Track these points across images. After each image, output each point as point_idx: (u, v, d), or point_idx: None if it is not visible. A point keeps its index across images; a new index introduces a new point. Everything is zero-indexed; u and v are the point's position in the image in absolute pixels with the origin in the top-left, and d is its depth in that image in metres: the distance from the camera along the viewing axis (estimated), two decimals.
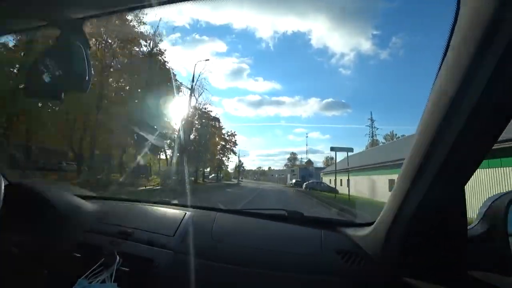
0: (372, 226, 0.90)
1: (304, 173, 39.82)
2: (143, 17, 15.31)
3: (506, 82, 0.47)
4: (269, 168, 60.92)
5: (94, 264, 0.88)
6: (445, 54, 0.55)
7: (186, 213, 1.18)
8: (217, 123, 30.28)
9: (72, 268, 0.91)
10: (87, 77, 0.61)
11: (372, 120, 43.60)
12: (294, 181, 32.48)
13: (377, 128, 42.60)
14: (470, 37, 0.47)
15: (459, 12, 0.50)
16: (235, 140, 34.71)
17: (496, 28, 0.43)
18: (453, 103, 0.53)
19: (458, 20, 0.50)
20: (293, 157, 57.29)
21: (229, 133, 33.41)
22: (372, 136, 43.37)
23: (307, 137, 56.77)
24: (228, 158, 34.28)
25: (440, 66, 0.57)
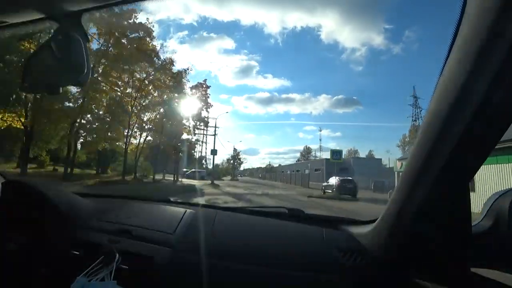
0: (374, 224, 0.89)
1: (331, 168, 21.69)
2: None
3: None
4: (280, 164, 51.05)
5: (93, 262, 0.87)
6: (451, 47, 0.54)
7: (186, 210, 1.18)
8: (147, 39, 14.89)
9: (71, 266, 0.90)
10: (85, 71, 0.60)
11: (415, 98, 34.95)
12: (335, 181, 15.30)
13: (422, 109, 34.06)
14: (478, 28, 0.46)
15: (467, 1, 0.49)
16: (208, 96, 19.43)
17: (506, 18, 0.42)
18: (458, 99, 0.52)
19: (466, 8, 0.49)
20: (307, 151, 51.42)
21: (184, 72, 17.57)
22: (416, 119, 34.75)
23: (320, 131, 51.32)
24: (193, 131, 19.67)
25: (446, 60, 0.56)
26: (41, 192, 1.13)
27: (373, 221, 0.91)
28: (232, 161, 48.23)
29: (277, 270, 0.89)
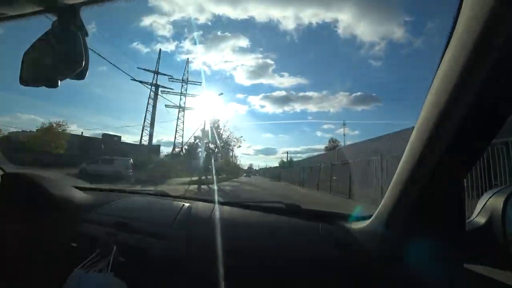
0: (370, 220, 0.90)
1: None
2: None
3: (509, 76, 0.46)
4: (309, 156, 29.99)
5: (90, 254, 0.88)
6: (446, 47, 0.54)
7: (183, 204, 1.19)
8: None
9: (69, 258, 0.91)
10: (83, 64, 0.60)
11: None
12: None
13: None
14: (473, 28, 0.46)
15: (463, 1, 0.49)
16: None
17: (500, 16, 0.42)
18: (453, 98, 0.53)
19: (462, 7, 0.49)
20: (333, 145, 39.63)
21: None
22: None
23: (344, 125, 43.99)
24: None
25: (441, 59, 0.56)
26: (40, 184, 1.14)
27: (369, 216, 0.92)
28: (207, 142, 22.97)
29: (273, 264, 0.90)
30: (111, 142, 31.99)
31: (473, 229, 0.73)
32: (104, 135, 34.66)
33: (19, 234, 1.04)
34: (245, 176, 43.05)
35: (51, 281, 0.89)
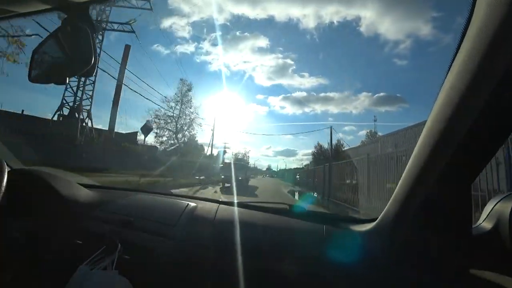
0: (375, 223, 0.90)
1: None
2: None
3: None
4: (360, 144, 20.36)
5: (95, 252, 0.88)
6: (459, 46, 0.53)
7: (188, 203, 1.19)
8: None
9: (73, 255, 0.92)
10: (92, 62, 0.60)
11: None
12: None
13: None
14: (485, 31, 0.46)
15: (476, 2, 0.48)
16: None
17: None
18: (464, 99, 0.52)
19: (475, 11, 0.49)
20: (371, 137, 30.33)
21: None
22: None
23: (375, 121, 38.36)
24: None
25: (453, 59, 0.55)
26: (46, 181, 1.15)
27: (374, 219, 0.91)
28: None
29: (276, 264, 0.90)
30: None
31: (479, 234, 0.73)
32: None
33: (24, 230, 1.05)
34: (223, 181, 16.28)
35: (55, 278, 0.90)
